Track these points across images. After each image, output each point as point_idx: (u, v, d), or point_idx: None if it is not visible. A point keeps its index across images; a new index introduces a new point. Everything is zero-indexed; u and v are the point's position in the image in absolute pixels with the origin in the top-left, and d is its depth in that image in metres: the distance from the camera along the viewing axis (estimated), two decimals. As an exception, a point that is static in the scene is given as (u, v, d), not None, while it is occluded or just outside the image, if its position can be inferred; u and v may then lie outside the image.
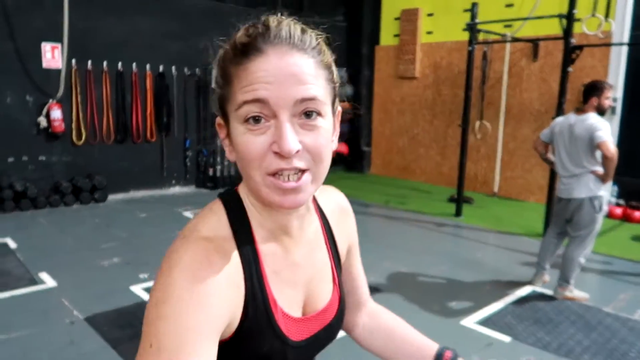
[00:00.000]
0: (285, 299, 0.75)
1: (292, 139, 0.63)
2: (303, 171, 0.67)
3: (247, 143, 0.65)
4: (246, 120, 0.65)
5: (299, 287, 0.79)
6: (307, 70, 0.65)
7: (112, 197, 6.58)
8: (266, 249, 0.74)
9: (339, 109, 0.76)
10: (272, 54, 0.64)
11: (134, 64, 6.63)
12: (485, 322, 3.32)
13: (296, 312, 0.78)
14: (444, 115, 8.02)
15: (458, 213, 6.20)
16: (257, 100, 0.63)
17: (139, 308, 3.37)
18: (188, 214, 6.00)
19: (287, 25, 0.67)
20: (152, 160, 7.05)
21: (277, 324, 0.72)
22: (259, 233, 0.74)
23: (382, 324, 1.00)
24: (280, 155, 0.64)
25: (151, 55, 6.75)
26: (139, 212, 6.04)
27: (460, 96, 6.96)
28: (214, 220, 0.72)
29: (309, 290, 0.80)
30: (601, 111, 3.60)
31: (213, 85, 0.72)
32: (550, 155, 3.95)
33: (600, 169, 3.55)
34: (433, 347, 0.94)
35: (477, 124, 7.16)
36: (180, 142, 7.29)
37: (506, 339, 3.10)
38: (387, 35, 8.79)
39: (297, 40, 0.66)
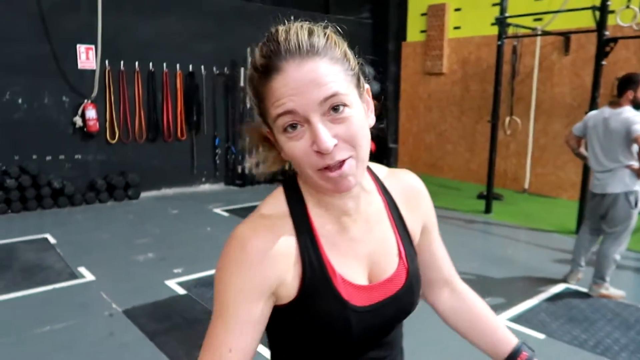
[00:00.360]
0: (345, 268, 0.82)
1: (327, 137, 0.70)
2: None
3: (291, 149, 0.73)
4: (285, 130, 0.73)
5: (361, 260, 0.84)
6: (322, 71, 0.71)
7: (144, 195, 6.74)
8: (322, 225, 0.82)
9: (367, 86, 0.81)
10: (288, 68, 0.70)
11: (165, 64, 6.78)
12: (518, 319, 3.29)
13: (359, 281, 0.83)
14: (473, 112, 7.93)
15: (488, 210, 6.13)
16: (287, 112, 0.71)
17: (174, 301, 3.47)
18: (218, 210, 6.10)
19: (294, 34, 0.72)
20: (182, 158, 7.20)
21: (336, 288, 0.79)
22: (314, 212, 0.82)
23: (468, 305, 1.04)
24: (321, 153, 0.71)
25: (181, 55, 6.89)
26: (170, 208, 6.18)
27: (489, 92, 6.87)
28: (273, 201, 0.83)
29: (372, 263, 0.85)
30: (637, 105, 3.52)
31: (250, 102, 0.80)
32: (582, 150, 3.88)
33: (636, 164, 3.47)
34: (512, 341, 0.97)
35: (507, 119, 7.05)
36: (210, 140, 7.41)
37: (540, 336, 3.07)
38: (414, 31, 8.73)
39: (307, 47, 0.71)
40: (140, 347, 2.88)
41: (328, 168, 0.72)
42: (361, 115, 0.75)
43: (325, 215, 0.82)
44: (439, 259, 1.03)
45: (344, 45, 0.76)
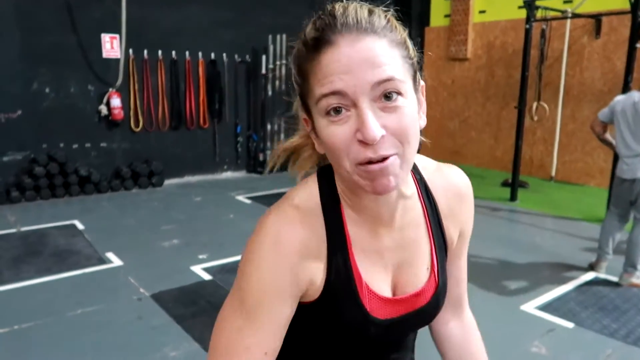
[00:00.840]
0: (372, 277, 0.76)
1: (375, 126, 0.62)
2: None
3: (331, 135, 0.65)
4: (327, 113, 0.65)
5: (388, 269, 0.79)
6: (380, 52, 0.63)
7: (168, 182, 6.82)
8: (353, 229, 0.75)
9: (422, 83, 0.73)
10: (343, 43, 0.63)
11: (187, 52, 6.80)
12: (546, 308, 3.24)
13: (384, 292, 0.78)
14: (497, 98, 7.77)
15: (513, 197, 6.03)
16: (334, 93, 0.63)
17: (200, 287, 3.51)
18: (241, 198, 6.14)
19: (353, 9, 0.65)
20: (205, 146, 7.25)
21: (360, 297, 0.74)
22: (347, 213, 0.75)
23: (466, 337, 0.97)
24: (365, 143, 0.63)
25: (203, 43, 6.90)
26: (194, 196, 6.24)
27: (515, 77, 6.72)
28: (307, 192, 0.76)
29: (399, 274, 0.80)
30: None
31: (293, 82, 0.73)
32: (608, 136, 3.76)
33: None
34: None
35: (534, 105, 6.89)
36: (232, 128, 7.44)
37: (569, 325, 3.02)
38: (438, 16, 8.57)
39: (366, 24, 0.64)
40: (169, 330, 2.93)
41: (369, 162, 0.64)
42: (414, 109, 0.67)
43: (358, 219, 0.75)
44: (462, 277, 0.94)
45: (405, 32, 0.69)
